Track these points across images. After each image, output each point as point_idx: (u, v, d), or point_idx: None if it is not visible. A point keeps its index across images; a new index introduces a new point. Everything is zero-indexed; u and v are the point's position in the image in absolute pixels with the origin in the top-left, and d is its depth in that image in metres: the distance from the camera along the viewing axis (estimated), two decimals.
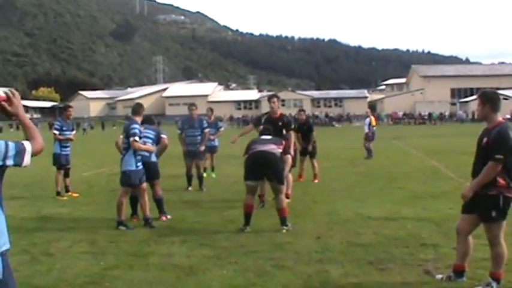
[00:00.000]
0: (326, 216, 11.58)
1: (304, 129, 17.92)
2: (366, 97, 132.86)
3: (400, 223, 10.67)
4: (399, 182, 17.19)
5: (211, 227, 10.78)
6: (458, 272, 7.02)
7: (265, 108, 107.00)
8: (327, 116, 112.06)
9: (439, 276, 7.17)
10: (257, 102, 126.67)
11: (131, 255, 8.58)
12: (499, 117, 6.79)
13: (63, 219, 11.81)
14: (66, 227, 10.96)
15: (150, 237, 9.90)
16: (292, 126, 13.25)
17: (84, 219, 11.87)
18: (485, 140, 6.71)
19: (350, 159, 25.79)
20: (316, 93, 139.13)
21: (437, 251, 8.47)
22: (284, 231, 10.17)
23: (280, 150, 11.13)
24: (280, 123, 12.63)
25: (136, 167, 10.92)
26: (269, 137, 11.24)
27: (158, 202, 11.80)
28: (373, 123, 28.13)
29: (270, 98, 13.03)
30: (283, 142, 11.66)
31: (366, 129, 27.35)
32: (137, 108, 11.48)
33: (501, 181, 6.53)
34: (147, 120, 12.43)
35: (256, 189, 11.12)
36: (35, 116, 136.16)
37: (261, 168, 10.58)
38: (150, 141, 11.89)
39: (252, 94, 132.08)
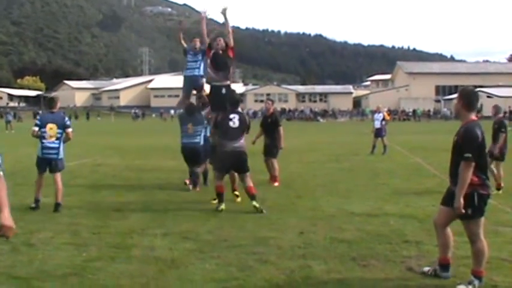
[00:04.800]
0: (309, 212, 11.58)
1: (269, 122, 16.32)
2: (351, 93, 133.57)
3: (383, 219, 10.69)
4: (383, 178, 17.23)
5: (194, 220, 10.75)
6: (443, 265, 7.08)
7: (250, 102, 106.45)
8: (311, 111, 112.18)
9: (426, 269, 7.25)
10: (242, 95, 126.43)
11: (113, 247, 8.53)
12: (472, 116, 6.84)
13: (46, 210, 11.69)
14: (48, 218, 10.89)
15: (133, 229, 9.85)
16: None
17: (66, 209, 11.75)
18: (455, 138, 6.85)
19: (334, 154, 25.80)
20: (301, 88, 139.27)
21: (420, 248, 8.48)
22: (255, 203, 11.51)
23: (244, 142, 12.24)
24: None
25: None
26: (237, 123, 11.99)
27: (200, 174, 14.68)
28: (387, 117, 27.89)
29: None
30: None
31: (377, 125, 26.65)
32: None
33: (474, 178, 6.61)
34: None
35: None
36: (21, 104, 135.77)
37: (233, 164, 12.08)
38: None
39: (237, 88, 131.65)
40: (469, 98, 6.90)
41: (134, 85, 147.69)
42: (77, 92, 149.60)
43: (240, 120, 12.03)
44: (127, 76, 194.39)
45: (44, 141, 11.87)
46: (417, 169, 19.59)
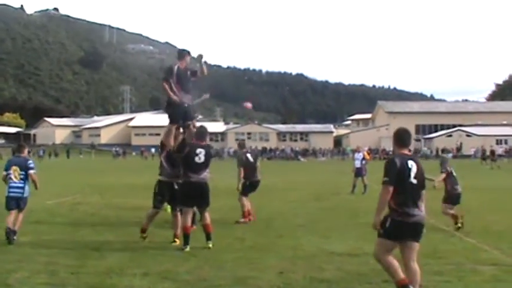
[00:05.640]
0: (290, 251, 11.54)
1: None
2: (332, 132, 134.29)
3: (363, 259, 10.66)
4: (363, 217, 17.18)
5: (174, 259, 10.67)
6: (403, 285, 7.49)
7: (231, 141, 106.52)
8: (292, 150, 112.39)
9: None
10: (223, 134, 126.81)
11: None
12: (402, 151, 7.73)
13: (23, 249, 11.58)
14: (26, 257, 10.75)
15: (112, 269, 9.75)
16: None
17: (44, 249, 11.63)
18: None
19: (315, 193, 25.78)
20: (282, 127, 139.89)
21: None
22: (210, 245, 11.63)
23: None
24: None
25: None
26: (203, 158, 11.89)
27: None
28: (367, 157, 28.05)
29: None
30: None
31: (358, 164, 26.56)
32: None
33: (391, 204, 7.38)
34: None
35: (193, 211, 12.49)
36: (0, 141, 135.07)
37: (197, 198, 11.89)
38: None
39: (218, 126, 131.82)
40: (400, 136, 7.82)
41: (115, 123, 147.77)
42: (57, 129, 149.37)
43: (205, 155, 11.95)
44: (108, 114, 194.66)
45: (10, 181, 12.72)
46: None
